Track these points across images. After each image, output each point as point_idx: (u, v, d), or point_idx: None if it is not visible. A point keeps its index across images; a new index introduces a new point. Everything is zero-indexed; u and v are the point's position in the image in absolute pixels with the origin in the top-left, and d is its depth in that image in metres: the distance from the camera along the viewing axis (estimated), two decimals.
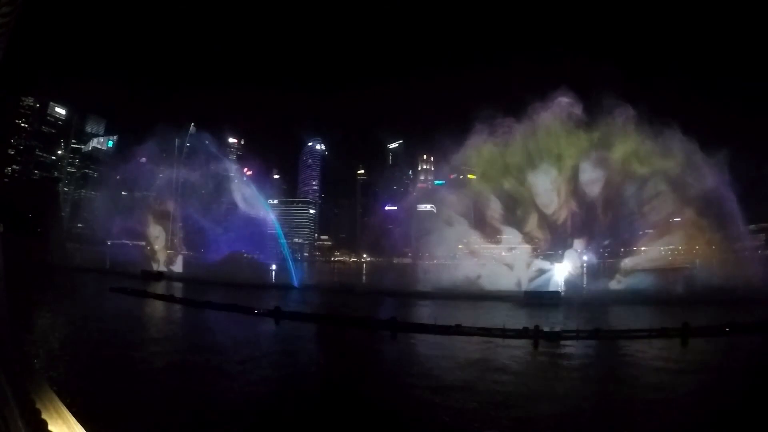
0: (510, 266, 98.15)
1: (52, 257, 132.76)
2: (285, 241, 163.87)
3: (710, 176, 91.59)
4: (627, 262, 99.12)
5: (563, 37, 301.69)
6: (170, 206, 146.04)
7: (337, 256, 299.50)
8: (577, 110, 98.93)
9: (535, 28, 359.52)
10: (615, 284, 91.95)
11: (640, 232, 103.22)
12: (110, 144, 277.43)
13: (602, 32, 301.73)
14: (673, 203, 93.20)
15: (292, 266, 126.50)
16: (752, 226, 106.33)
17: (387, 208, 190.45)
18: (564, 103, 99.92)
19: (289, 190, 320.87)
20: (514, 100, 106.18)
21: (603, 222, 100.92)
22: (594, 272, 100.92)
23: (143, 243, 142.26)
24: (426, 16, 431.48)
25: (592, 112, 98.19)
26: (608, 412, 24.76)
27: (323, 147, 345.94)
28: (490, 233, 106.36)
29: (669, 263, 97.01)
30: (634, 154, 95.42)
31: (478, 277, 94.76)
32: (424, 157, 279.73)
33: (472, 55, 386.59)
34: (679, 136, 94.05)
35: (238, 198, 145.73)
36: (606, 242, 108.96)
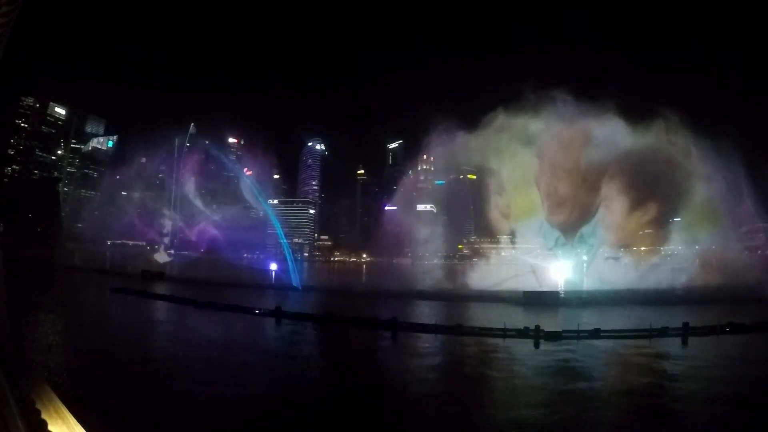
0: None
1: (52, 257, 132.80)
2: (285, 240, 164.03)
3: (713, 175, 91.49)
4: (627, 263, 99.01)
5: (564, 34, 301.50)
6: (170, 206, 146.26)
7: (337, 256, 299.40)
8: (581, 106, 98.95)
9: (536, 26, 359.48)
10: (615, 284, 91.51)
11: (640, 233, 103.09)
12: (110, 144, 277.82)
13: (601, 26, 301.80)
14: (674, 203, 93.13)
15: (292, 266, 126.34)
16: (753, 226, 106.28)
17: (387, 208, 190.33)
18: (568, 97, 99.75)
19: (289, 190, 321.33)
20: (514, 98, 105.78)
21: (604, 221, 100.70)
22: (594, 272, 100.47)
23: (143, 243, 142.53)
24: (427, 15, 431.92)
25: (594, 108, 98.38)
26: (610, 412, 24.75)
27: (323, 147, 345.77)
28: (490, 233, 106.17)
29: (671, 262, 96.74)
30: (637, 153, 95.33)
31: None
32: (424, 157, 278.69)
33: (472, 54, 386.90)
34: (682, 136, 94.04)
35: (238, 199, 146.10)
36: (608, 243, 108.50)
